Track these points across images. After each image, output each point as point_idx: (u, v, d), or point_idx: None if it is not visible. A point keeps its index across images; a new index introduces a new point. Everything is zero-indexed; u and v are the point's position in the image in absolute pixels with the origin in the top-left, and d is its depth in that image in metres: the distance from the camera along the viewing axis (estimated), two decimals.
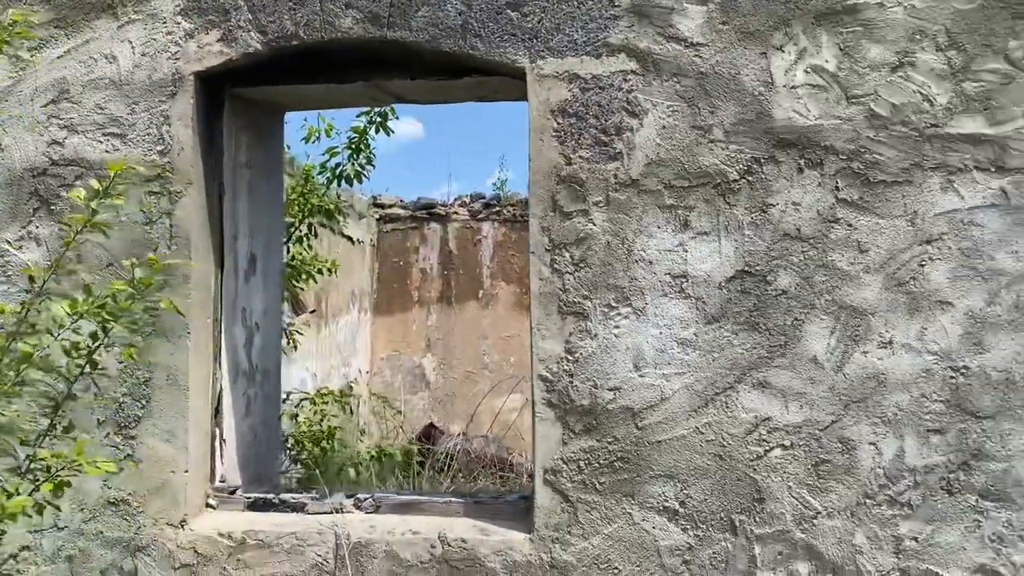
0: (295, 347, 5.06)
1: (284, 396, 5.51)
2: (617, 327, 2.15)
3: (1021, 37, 2.04)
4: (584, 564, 2.12)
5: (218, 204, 2.54)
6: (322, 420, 4.74)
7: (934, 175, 2.06)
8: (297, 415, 4.79)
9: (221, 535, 2.29)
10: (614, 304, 2.16)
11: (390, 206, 10.35)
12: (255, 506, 2.43)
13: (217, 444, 2.51)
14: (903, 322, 2.05)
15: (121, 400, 2.35)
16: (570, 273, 2.18)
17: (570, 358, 2.17)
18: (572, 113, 2.21)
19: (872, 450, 2.04)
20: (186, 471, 2.34)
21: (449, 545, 2.17)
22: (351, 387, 5.69)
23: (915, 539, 2.02)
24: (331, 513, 2.33)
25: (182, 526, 2.31)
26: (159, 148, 2.38)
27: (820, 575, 2.05)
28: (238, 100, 2.62)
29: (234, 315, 2.62)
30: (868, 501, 2.04)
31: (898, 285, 2.06)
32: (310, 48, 2.38)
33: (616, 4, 2.20)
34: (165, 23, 2.40)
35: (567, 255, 2.19)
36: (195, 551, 2.28)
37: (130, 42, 2.41)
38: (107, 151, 2.40)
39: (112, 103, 2.41)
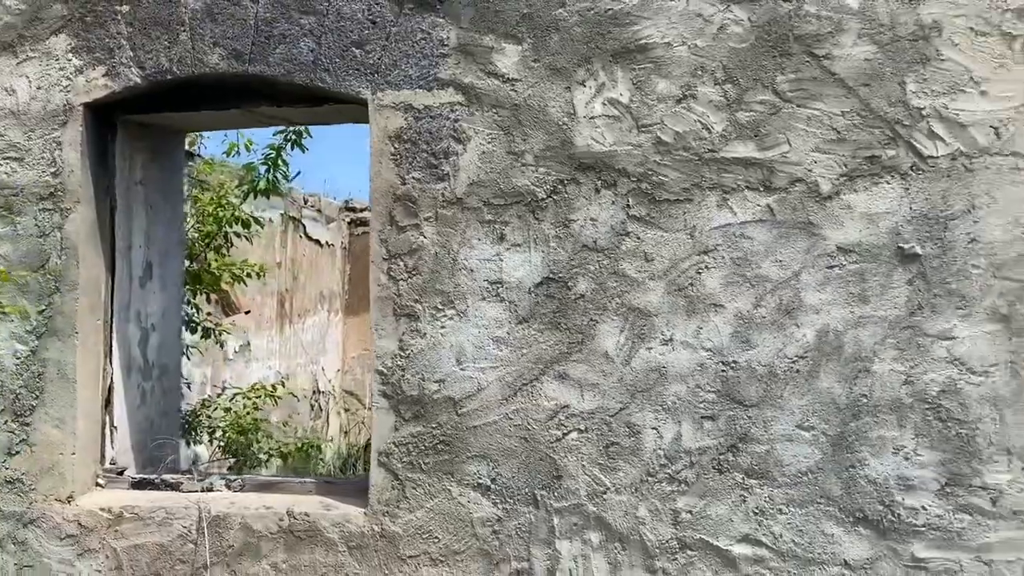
0: (221, 345, 5.38)
1: (220, 390, 5.86)
2: (443, 327, 2.44)
3: (786, 72, 2.32)
4: (409, 534, 2.41)
5: (110, 218, 2.83)
6: (249, 413, 5.05)
7: (711, 194, 2.34)
8: (230, 407, 5.10)
9: (102, 509, 2.59)
10: (440, 307, 2.44)
11: (361, 210, 10.67)
12: (138, 485, 2.73)
13: (107, 431, 2.80)
14: (682, 322, 2.33)
15: (17, 391, 2.65)
16: (404, 280, 2.47)
17: (402, 354, 2.45)
18: (407, 139, 2.49)
19: (654, 434, 2.32)
20: (73, 454, 2.63)
21: (295, 518, 2.46)
22: (283, 383, 5.99)
23: (690, 512, 2.30)
24: (200, 492, 2.62)
25: (69, 502, 2.61)
26: (52, 170, 2.68)
27: (609, 543, 2.33)
28: (134, 125, 2.92)
29: (127, 317, 2.91)
30: (650, 479, 2.32)
31: (678, 290, 2.34)
32: (184, 81, 2.68)
33: (445, 44, 2.48)
34: (58, 60, 2.70)
35: (401, 264, 2.47)
36: (79, 523, 2.58)
37: (27, 77, 2.71)
38: (6, 173, 2.70)
39: (11, 131, 2.71)
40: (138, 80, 2.66)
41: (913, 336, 2.25)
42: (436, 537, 2.39)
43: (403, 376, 2.43)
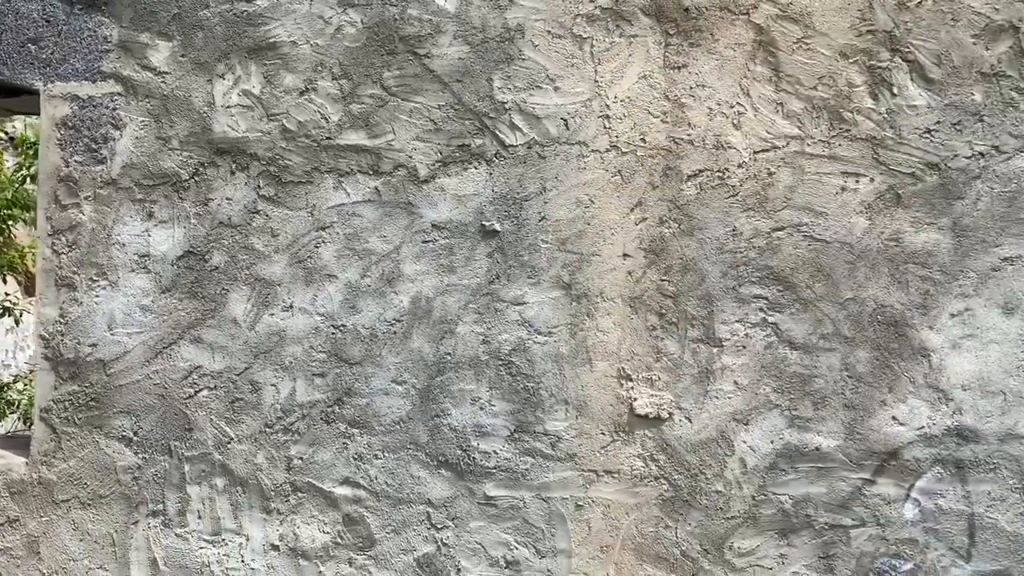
0: (17, 322, 5.64)
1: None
2: (97, 296, 2.67)
3: (392, 69, 2.58)
4: (63, 481, 2.64)
5: None
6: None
7: (328, 177, 2.59)
8: None
9: None
10: (95, 278, 2.67)
11: None
12: None
13: None
14: (301, 291, 2.58)
15: None
16: (64, 254, 2.70)
17: (62, 321, 2.69)
18: (71, 126, 2.72)
19: (273, 390, 2.58)
20: None
21: None
22: None
23: (301, 459, 2.55)
24: None
25: None
26: None
27: (232, 487, 2.58)
28: None
29: None
30: (268, 430, 2.57)
31: (299, 262, 2.59)
32: None
33: (108, 40, 2.71)
34: None
35: (63, 239, 2.70)
36: None
37: None
38: None
39: None
40: None
41: (491, 302, 2.51)
42: (85, 483, 2.63)
43: (62, 340, 2.66)
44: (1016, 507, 2.29)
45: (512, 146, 2.50)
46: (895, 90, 2.40)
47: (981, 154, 2.35)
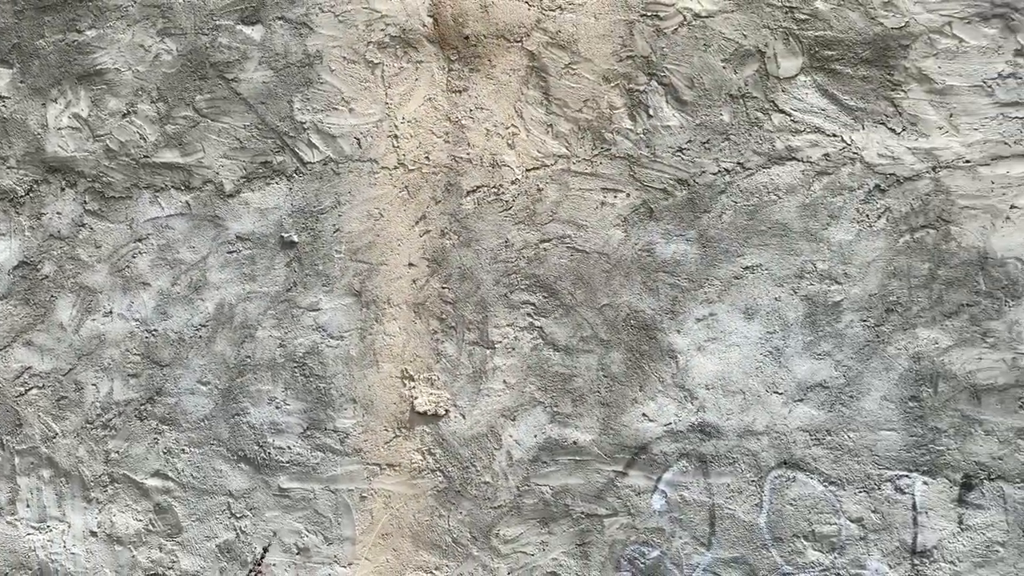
0: None
1: None
2: None
3: (203, 93, 2.79)
4: None
5: None
6: None
7: (145, 192, 2.80)
8: None
9: None
10: None
11: None
12: None
13: None
14: (119, 298, 2.79)
15: None
16: None
17: None
18: None
19: (94, 389, 2.77)
20: None
21: None
22: None
23: (117, 452, 2.74)
24: None
25: None
26: None
27: (56, 478, 2.81)
28: None
29: None
30: (88, 425, 2.77)
31: (118, 271, 2.80)
32: None
33: None
34: None
35: None
36: None
37: None
38: None
39: None
40: None
41: (288, 308, 2.71)
42: None
43: None
44: (752, 499, 2.46)
45: (310, 163, 2.71)
46: (651, 111, 2.58)
47: (727, 170, 2.53)
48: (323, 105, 2.72)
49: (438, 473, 2.63)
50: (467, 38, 2.69)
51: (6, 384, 2.81)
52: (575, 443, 2.57)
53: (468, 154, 2.67)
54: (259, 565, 2.59)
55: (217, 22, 2.80)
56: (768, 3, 2.58)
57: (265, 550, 2.57)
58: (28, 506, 2.82)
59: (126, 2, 2.84)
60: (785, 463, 2.49)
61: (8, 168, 2.85)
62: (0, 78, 2.90)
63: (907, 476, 2.41)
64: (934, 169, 2.46)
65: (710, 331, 2.54)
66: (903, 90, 2.49)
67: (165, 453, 2.72)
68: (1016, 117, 2.43)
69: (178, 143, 2.76)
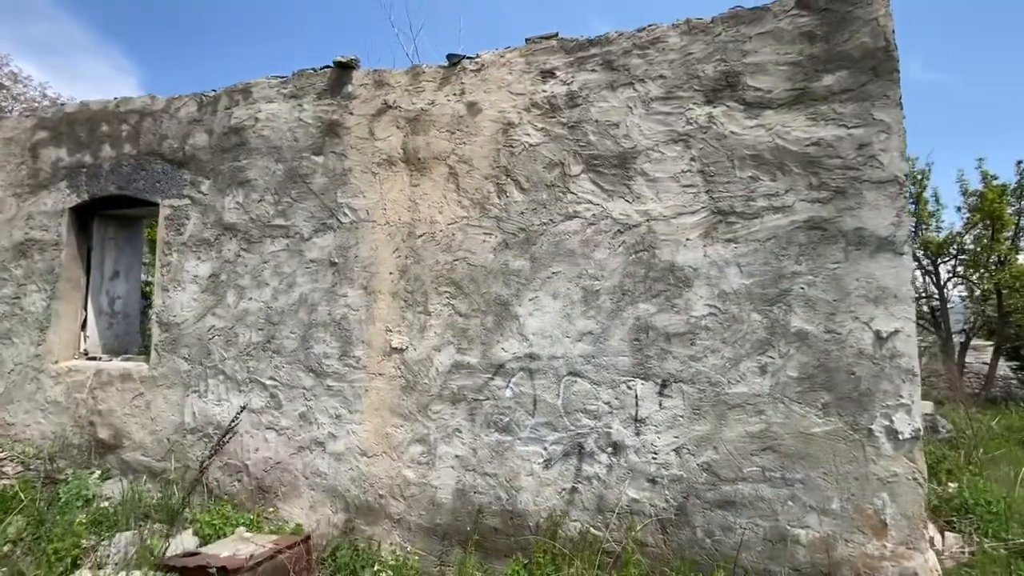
0: None
1: None
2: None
3: (295, 190, 3.37)
4: None
5: (87, 253, 4.09)
6: None
7: (267, 239, 3.44)
8: None
9: (68, 367, 3.83)
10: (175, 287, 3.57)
11: None
12: (94, 359, 3.96)
13: (82, 339, 4.04)
14: (255, 291, 3.42)
15: (41, 322, 3.93)
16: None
17: None
18: (169, 218, 3.65)
19: (244, 336, 3.41)
20: (57, 348, 3.89)
21: (121, 370, 3.64)
22: None
23: (253, 367, 3.36)
24: (99, 362, 3.83)
25: (55, 364, 3.86)
26: (57, 233, 3.96)
27: (226, 380, 3.41)
28: (105, 214, 4.17)
29: (100, 292, 4.17)
30: (240, 354, 3.40)
31: (255, 278, 3.43)
32: (109, 196, 3.91)
33: (185, 180, 3.64)
34: (60, 191, 3.99)
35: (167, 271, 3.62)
36: (57, 372, 3.82)
37: (46, 201, 4.01)
38: (42, 233, 4.00)
39: (44, 219, 4.02)
40: (86, 197, 3.92)
41: (333, 295, 3.27)
42: None
43: None
44: (554, 391, 2.83)
45: (344, 223, 3.25)
46: (508, 194, 2.94)
47: (544, 223, 2.90)
48: (351, 194, 3.22)
49: (403, 378, 3.02)
50: (420, 159, 3.10)
51: (203, 333, 3.39)
52: (469, 363, 2.94)
53: (418, 217, 3.07)
54: (234, 422, 2.59)
55: (301, 155, 3.30)
56: (566, 138, 2.84)
57: (242, 408, 2.86)
58: (213, 393, 3.35)
59: (260, 145, 3.35)
60: (571, 373, 2.75)
61: (208, 228, 3.42)
62: (204, 184, 3.47)
63: (633, 380, 2.71)
64: (648, 220, 2.70)
65: (535, 306, 2.86)
66: (633, 180, 2.71)
67: (275, 367, 3.21)
68: (689, 193, 2.63)
69: (283, 215, 3.29)
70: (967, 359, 11.92)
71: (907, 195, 2.48)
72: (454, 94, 3.19)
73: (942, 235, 11.98)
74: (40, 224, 4.08)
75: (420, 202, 3.15)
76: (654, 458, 2.64)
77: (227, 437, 2.59)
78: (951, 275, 12.32)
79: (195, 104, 3.73)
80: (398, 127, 3.21)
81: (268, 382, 3.36)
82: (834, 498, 2.44)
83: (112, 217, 4.25)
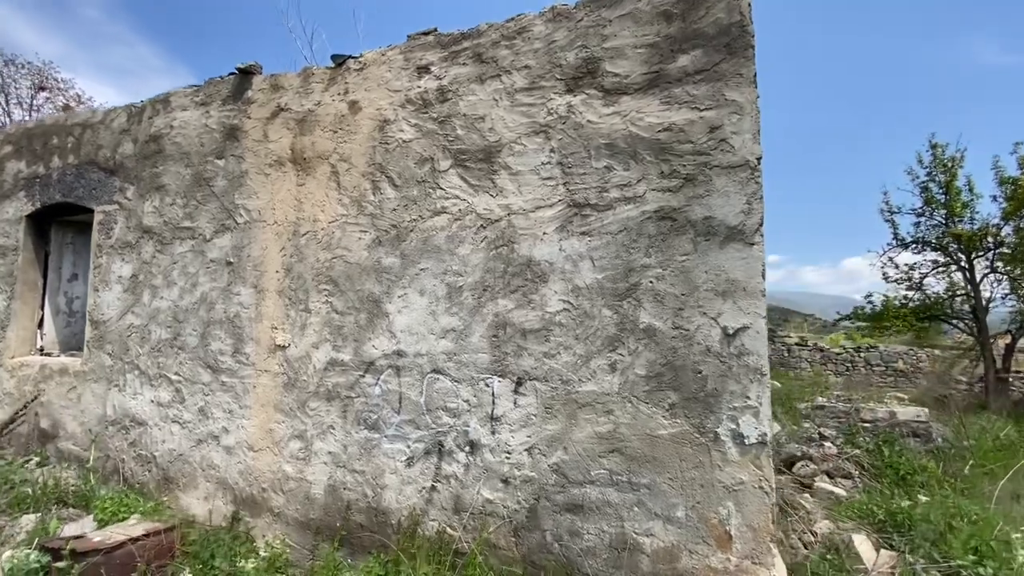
0: None
1: None
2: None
3: (200, 193, 3.52)
4: None
5: (45, 257, 4.43)
6: None
7: (176, 240, 3.57)
8: None
9: (21, 363, 4.15)
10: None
11: None
12: (48, 355, 4.28)
13: (39, 336, 4.38)
14: (166, 291, 3.58)
15: (2, 321, 4.28)
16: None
17: None
18: (102, 223, 3.89)
19: (155, 333, 3.59)
20: (15, 345, 4.23)
21: (60, 364, 3.91)
22: None
23: (161, 363, 3.52)
24: (47, 358, 4.13)
25: (11, 359, 4.20)
26: (16, 239, 4.31)
27: (141, 375, 3.59)
28: (63, 221, 4.51)
29: (58, 293, 4.50)
30: (152, 350, 3.57)
31: (166, 278, 3.59)
32: (57, 204, 4.22)
33: (115, 187, 3.87)
34: (19, 200, 4.34)
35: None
36: (12, 365, 4.15)
37: (8, 209, 4.37)
38: (3, 239, 4.38)
39: (7, 225, 4.39)
40: (39, 205, 4.23)
41: (229, 294, 3.36)
42: None
43: None
44: (418, 388, 2.82)
45: (240, 223, 3.30)
46: (382, 191, 2.95)
47: (414, 220, 2.90)
48: (246, 195, 3.34)
49: (285, 375, 3.08)
50: (305, 159, 3.16)
51: (124, 331, 3.58)
52: (343, 360, 2.96)
53: (303, 216, 3.14)
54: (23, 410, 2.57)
55: (207, 159, 3.45)
56: (436, 133, 2.82)
57: (26, 404, 2.93)
58: (130, 387, 3.54)
59: (174, 152, 3.52)
60: (434, 370, 2.73)
61: (130, 231, 3.63)
62: (129, 190, 3.70)
63: (491, 377, 2.66)
64: (509, 215, 2.64)
65: (404, 303, 2.87)
66: (497, 175, 2.67)
67: (179, 363, 3.35)
68: (548, 186, 2.56)
69: (190, 217, 3.43)
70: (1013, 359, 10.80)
71: (759, 180, 2.28)
72: (339, 94, 3.23)
73: (975, 227, 10.94)
74: (2, 231, 4.46)
75: (305, 201, 3.22)
76: (507, 458, 2.55)
77: (21, 413, 2.77)
78: (988, 270, 11.23)
79: (126, 115, 3.98)
80: (288, 128, 3.27)
81: (174, 377, 3.51)
82: (679, 505, 2.28)
83: (70, 223, 4.58)
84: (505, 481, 2.56)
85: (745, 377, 2.23)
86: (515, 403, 2.60)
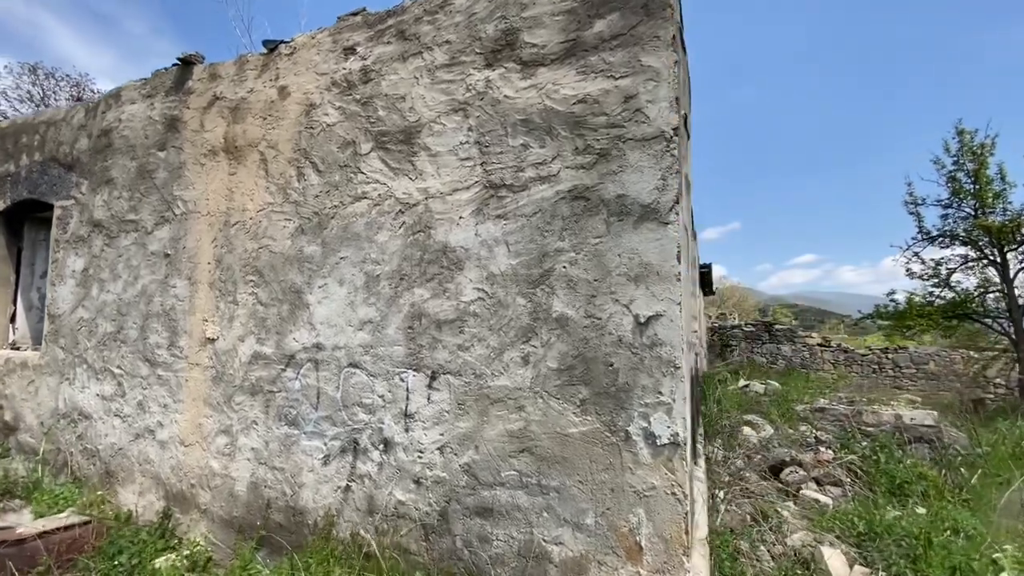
0: None
1: None
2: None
3: (143, 185, 3.50)
4: None
5: (18, 253, 4.52)
6: None
7: (122, 233, 3.56)
8: None
9: None
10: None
11: None
12: (17, 350, 4.37)
13: (11, 331, 4.47)
14: (112, 284, 3.57)
15: None
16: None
17: None
18: (61, 217, 3.93)
19: (102, 326, 3.58)
20: None
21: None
22: None
23: (106, 356, 3.51)
24: (11, 351, 4.21)
25: None
26: None
27: (88, 368, 3.60)
28: (37, 219, 4.60)
29: (31, 289, 4.59)
30: (98, 343, 3.57)
31: (112, 271, 3.59)
32: (24, 200, 4.31)
33: (72, 183, 3.91)
34: None
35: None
36: None
37: None
38: None
39: None
40: (10, 203, 4.31)
41: (166, 286, 3.32)
42: None
43: None
44: (335, 383, 2.71)
45: (178, 215, 3.26)
46: (306, 177, 2.88)
47: (335, 206, 2.79)
48: (184, 186, 3.31)
49: (213, 368, 3.03)
50: (237, 147, 3.11)
51: (75, 324, 3.61)
52: (265, 353, 2.89)
53: (233, 206, 3.08)
54: None
55: (150, 151, 3.46)
56: (359, 115, 2.72)
57: None
58: (79, 381, 3.55)
59: (122, 145, 3.53)
60: (351, 364, 2.62)
61: (83, 225, 3.64)
62: (84, 185, 3.70)
63: (405, 372, 2.53)
64: (426, 199, 2.52)
65: (324, 293, 2.77)
66: (417, 156, 2.56)
67: (121, 356, 3.34)
68: (466, 167, 2.45)
69: (134, 210, 3.43)
70: None
71: (674, 152, 2.05)
72: (270, 80, 3.15)
73: (1008, 218, 10.17)
74: None
75: (235, 190, 3.15)
76: (420, 457, 2.40)
77: None
78: (1023, 265, 10.43)
79: (83, 111, 4.03)
80: (223, 117, 3.23)
81: (116, 371, 3.51)
82: (589, 511, 2.08)
83: (43, 220, 4.68)
84: (417, 482, 2.41)
85: (658, 370, 2.02)
86: (428, 399, 2.45)
